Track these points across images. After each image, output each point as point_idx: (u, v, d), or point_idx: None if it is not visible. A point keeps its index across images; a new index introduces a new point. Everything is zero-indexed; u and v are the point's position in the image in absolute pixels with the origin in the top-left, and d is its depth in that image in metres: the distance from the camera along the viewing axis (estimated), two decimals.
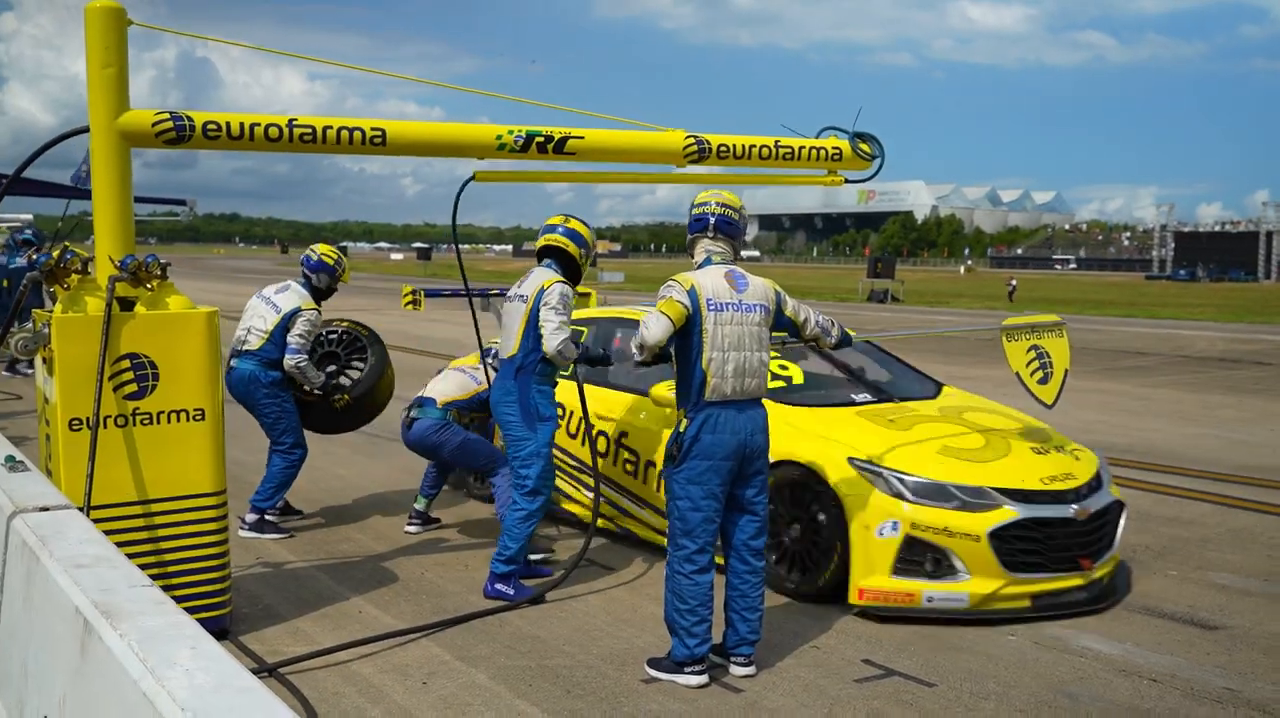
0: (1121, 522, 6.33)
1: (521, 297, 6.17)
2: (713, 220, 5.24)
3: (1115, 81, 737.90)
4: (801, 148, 6.79)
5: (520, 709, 4.60)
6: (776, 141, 6.73)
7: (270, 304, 7.37)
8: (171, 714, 1.85)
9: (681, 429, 4.99)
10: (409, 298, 8.29)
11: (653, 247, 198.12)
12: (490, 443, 7.12)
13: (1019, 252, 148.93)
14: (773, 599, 5.70)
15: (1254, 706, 4.79)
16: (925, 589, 5.70)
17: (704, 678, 4.93)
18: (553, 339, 5.93)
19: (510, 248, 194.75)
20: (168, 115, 5.20)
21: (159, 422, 5.09)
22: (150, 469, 5.07)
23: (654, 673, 4.98)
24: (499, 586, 6.07)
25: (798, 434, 6.23)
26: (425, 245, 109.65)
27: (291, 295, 7.37)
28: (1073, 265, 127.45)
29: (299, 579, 6.37)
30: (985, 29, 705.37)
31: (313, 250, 7.67)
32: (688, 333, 5.00)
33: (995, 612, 5.75)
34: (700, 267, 5.19)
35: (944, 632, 5.59)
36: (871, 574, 5.74)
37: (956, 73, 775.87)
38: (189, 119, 5.24)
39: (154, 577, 2.65)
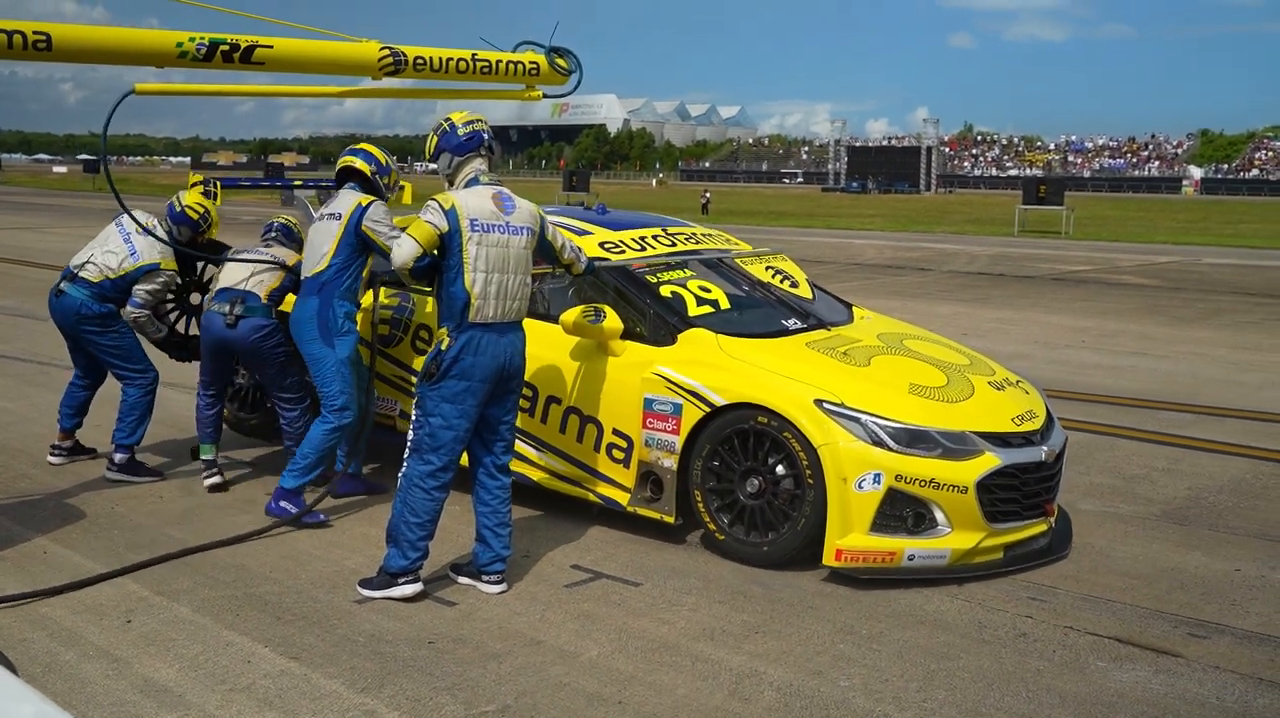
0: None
1: (334, 215, 6.02)
2: (487, 139, 5.20)
3: (793, 1, 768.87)
4: (499, 62, 6.74)
5: (229, 640, 4.49)
6: (474, 55, 6.65)
7: (129, 246, 6.69)
8: None
9: (443, 348, 4.94)
10: (199, 188, 7.22)
11: None
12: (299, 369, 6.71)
13: (706, 165, 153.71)
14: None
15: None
16: (907, 547, 5.20)
17: (419, 587, 4.97)
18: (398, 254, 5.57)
19: (189, 159, 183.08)
20: None
21: None
22: None
23: (367, 593, 4.97)
24: (284, 503, 5.89)
25: (749, 371, 5.57)
26: (92, 157, 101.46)
27: (152, 246, 6.68)
28: (800, 180, 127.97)
29: None
30: None
31: (177, 198, 6.88)
32: (447, 253, 4.94)
33: (971, 567, 5.34)
34: (466, 186, 5.10)
35: (646, 536, 5.84)
36: (849, 532, 5.16)
37: None
38: None
39: None
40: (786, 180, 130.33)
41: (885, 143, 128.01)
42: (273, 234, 6.95)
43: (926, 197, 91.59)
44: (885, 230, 39.63)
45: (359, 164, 6.22)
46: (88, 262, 6.72)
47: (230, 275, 6.57)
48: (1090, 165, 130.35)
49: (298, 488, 5.95)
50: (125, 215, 6.76)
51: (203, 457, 6.67)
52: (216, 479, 6.57)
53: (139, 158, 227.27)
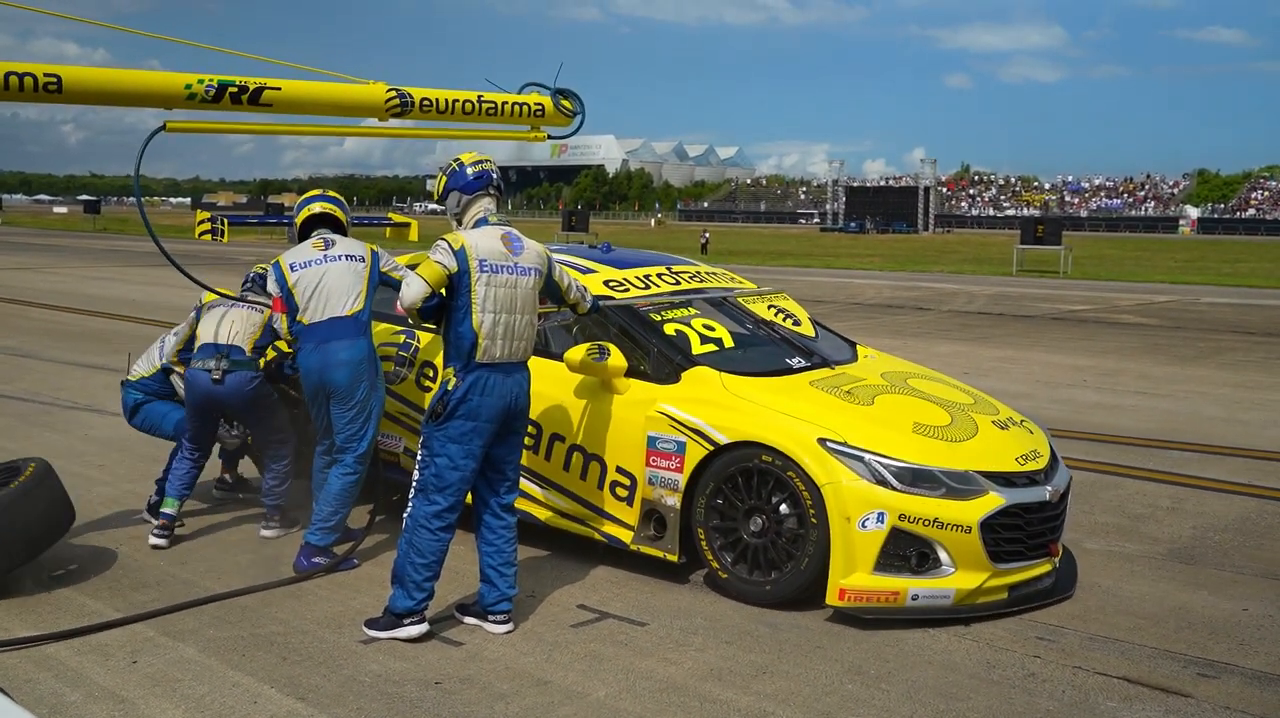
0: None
1: (354, 257, 5.99)
2: (494, 178, 5.23)
3: (789, 42, 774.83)
4: (505, 103, 6.83)
5: (235, 681, 4.47)
6: (480, 97, 6.74)
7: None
8: None
9: (450, 388, 4.94)
10: (205, 225, 6.99)
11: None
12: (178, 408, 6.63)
13: (705, 205, 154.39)
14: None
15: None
16: (910, 587, 5.19)
17: (424, 627, 4.95)
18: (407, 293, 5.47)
19: (189, 200, 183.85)
20: None
21: None
22: None
23: (373, 633, 4.95)
24: (317, 559, 5.84)
25: (752, 410, 5.58)
26: (93, 198, 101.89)
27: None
28: (816, 220, 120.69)
29: None
30: None
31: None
32: (455, 293, 4.95)
33: (976, 607, 5.31)
34: (475, 226, 5.13)
35: (651, 575, 5.82)
36: (853, 572, 5.15)
37: (642, 29, 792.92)
38: None
39: None
40: (803, 221, 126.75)
41: (883, 183, 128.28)
42: (249, 285, 6.75)
43: (924, 236, 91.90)
44: (884, 270, 39.75)
45: (338, 213, 6.23)
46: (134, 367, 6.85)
47: (210, 329, 6.38)
48: (1087, 205, 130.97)
49: (328, 545, 5.92)
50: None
51: (165, 510, 6.29)
52: (165, 540, 6.19)
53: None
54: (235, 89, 5.79)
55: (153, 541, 6.20)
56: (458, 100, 6.58)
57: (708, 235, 56.60)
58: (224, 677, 4.50)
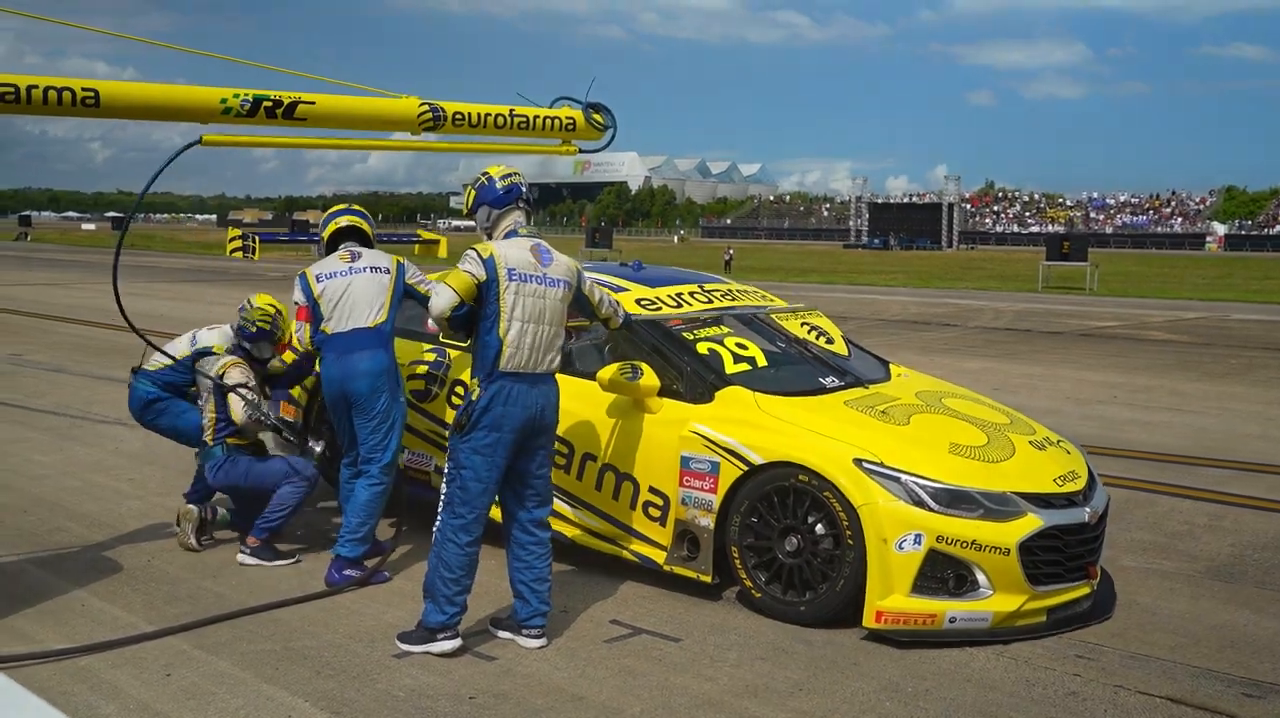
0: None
1: (379, 268, 6.09)
2: (524, 191, 5.25)
3: (811, 59, 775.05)
4: (536, 117, 6.83)
5: (269, 694, 4.45)
6: (511, 110, 6.74)
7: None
8: None
9: (474, 398, 4.93)
10: (237, 243, 7.40)
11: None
12: (274, 457, 6.60)
13: (728, 222, 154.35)
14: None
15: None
16: (948, 609, 5.12)
17: (457, 642, 4.93)
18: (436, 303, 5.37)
19: (214, 217, 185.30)
20: None
21: None
22: None
23: (406, 647, 4.93)
24: (349, 571, 5.85)
25: (787, 429, 5.55)
26: (120, 215, 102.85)
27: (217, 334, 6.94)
28: (877, 242, 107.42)
29: (7, 575, 5.89)
30: (690, 5, 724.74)
31: (248, 307, 6.65)
32: (484, 301, 4.96)
33: (1014, 630, 5.24)
34: (505, 239, 5.14)
35: (683, 592, 5.77)
36: (889, 594, 5.09)
37: (664, 46, 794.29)
38: None
39: None
40: (837, 239, 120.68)
41: (906, 200, 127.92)
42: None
43: (949, 253, 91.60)
44: (909, 286, 39.62)
45: (365, 226, 6.36)
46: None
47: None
48: (1112, 222, 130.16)
49: (358, 557, 5.91)
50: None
51: (219, 508, 6.59)
52: (195, 509, 6.44)
53: (165, 215, 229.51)
54: (270, 103, 5.81)
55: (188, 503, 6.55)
56: (489, 114, 6.57)
57: (732, 252, 56.54)
58: (258, 690, 4.48)
